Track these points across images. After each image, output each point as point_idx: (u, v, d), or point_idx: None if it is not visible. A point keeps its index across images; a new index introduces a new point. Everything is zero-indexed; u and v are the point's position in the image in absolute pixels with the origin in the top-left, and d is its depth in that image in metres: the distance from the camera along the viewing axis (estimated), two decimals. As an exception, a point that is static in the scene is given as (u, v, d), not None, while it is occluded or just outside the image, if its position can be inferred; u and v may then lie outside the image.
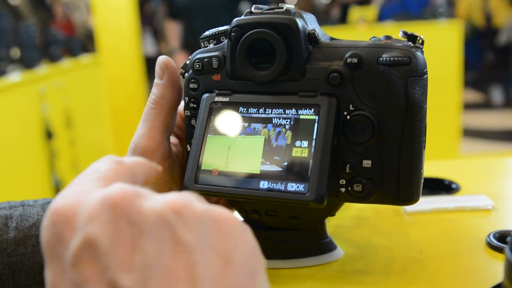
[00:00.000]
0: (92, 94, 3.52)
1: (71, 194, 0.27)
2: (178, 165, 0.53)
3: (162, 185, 0.51)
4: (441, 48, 3.26)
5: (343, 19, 4.92)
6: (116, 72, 3.72)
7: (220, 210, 0.28)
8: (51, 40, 3.25)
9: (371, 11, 5.18)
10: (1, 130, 2.29)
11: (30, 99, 2.58)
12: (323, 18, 4.72)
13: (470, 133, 4.40)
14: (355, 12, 4.75)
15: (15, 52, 2.84)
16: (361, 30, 3.75)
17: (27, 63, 2.78)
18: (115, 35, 3.67)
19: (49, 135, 2.65)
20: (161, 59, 0.51)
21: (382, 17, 5.02)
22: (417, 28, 3.47)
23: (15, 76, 2.58)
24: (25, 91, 2.55)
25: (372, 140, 0.44)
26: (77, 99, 3.12)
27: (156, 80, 0.51)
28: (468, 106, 5.06)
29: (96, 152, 3.37)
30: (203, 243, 0.26)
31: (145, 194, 0.27)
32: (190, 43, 3.44)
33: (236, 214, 0.27)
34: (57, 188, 2.67)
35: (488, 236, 0.55)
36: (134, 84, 3.78)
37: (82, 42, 3.85)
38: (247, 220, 0.52)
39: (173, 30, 3.59)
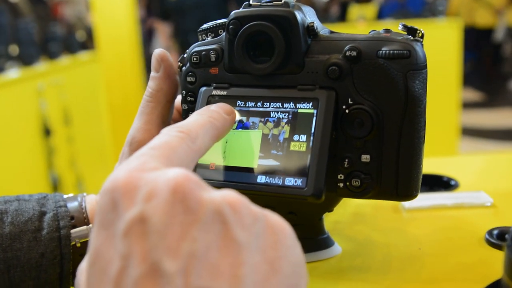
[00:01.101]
0: (90, 92, 3.51)
1: (135, 167, 0.27)
2: None
3: None
4: (441, 46, 3.25)
5: (342, 17, 4.91)
6: (115, 70, 3.70)
7: (276, 217, 0.27)
8: (50, 37, 3.24)
9: (371, 9, 5.18)
10: (-1, 127, 2.28)
11: (29, 96, 2.57)
12: (323, 16, 4.70)
13: (469, 132, 4.39)
14: (355, 10, 4.75)
15: (14, 49, 2.83)
16: (360, 27, 3.74)
17: (25, 60, 2.77)
18: (114, 32, 3.66)
19: (47, 132, 2.64)
20: (157, 51, 0.51)
21: (381, 15, 5.01)
22: (416, 26, 3.46)
23: (13, 73, 2.57)
24: (23, 88, 2.54)
25: (371, 135, 0.44)
26: (76, 96, 3.12)
27: (152, 73, 0.51)
28: (467, 105, 5.06)
29: (94, 149, 3.36)
30: (254, 245, 0.26)
31: (206, 186, 0.27)
32: (181, 43, 3.45)
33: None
34: (55, 185, 2.67)
35: (487, 233, 0.54)
36: (133, 82, 3.77)
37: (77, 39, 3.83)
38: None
39: (164, 31, 3.60)
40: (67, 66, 3.19)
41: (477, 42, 6.38)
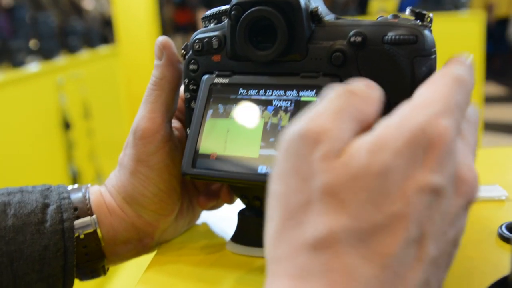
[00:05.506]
0: (110, 85, 3.53)
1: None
2: (180, 149, 0.52)
3: (162, 169, 0.50)
4: (463, 39, 3.20)
5: (362, 10, 4.86)
6: (134, 63, 3.73)
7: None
8: (70, 30, 3.26)
9: (392, 1, 5.11)
10: (19, 121, 2.31)
11: (48, 89, 2.59)
12: (343, 9, 4.66)
13: (492, 127, 4.32)
14: (375, 3, 4.69)
15: (34, 43, 2.86)
16: (381, 21, 3.70)
17: (45, 53, 2.79)
18: (134, 26, 3.68)
19: (66, 125, 2.66)
20: (160, 39, 0.50)
21: (402, 7, 4.94)
22: (438, 19, 3.41)
23: (33, 66, 2.60)
24: (43, 82, 2.56)
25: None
26: (95, 90, 3.13)
27: (155, 61, 0.50)
28: (490, 99, 4.98)
29: (114, 143, 3.38)
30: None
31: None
32: None
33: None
34: (75, 178, 2.69)
35: (500, 227, 0.52)
36: (152, 76, 3.79)
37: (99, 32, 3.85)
38: (249, 206, 0.50)
39: None
40: (87, 59, 3.21)
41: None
